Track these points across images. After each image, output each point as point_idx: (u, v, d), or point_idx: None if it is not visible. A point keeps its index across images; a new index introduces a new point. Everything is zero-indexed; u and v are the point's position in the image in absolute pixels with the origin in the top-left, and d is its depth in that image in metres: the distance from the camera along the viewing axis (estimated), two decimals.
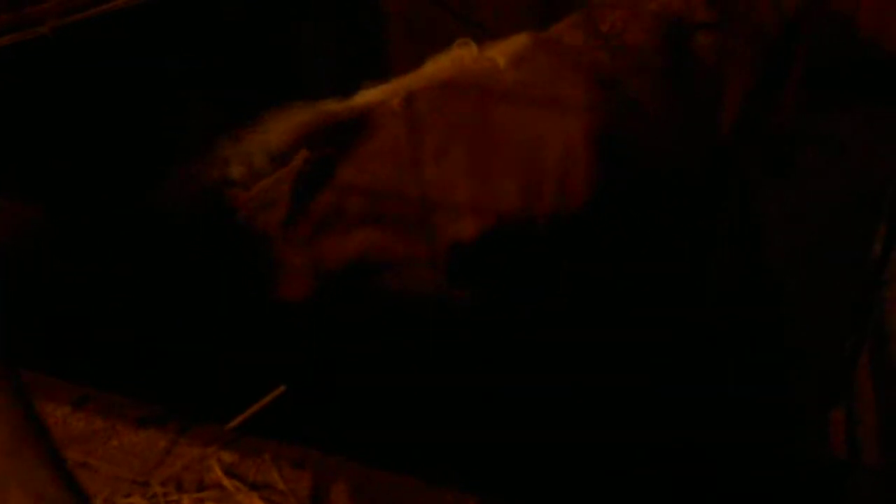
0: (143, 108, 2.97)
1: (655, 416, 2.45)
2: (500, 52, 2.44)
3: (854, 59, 3.35)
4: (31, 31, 2.65)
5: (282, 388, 1.41)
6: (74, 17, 2.78)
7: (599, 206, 2.42)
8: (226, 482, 1.27)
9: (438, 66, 2.42)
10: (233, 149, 2.17)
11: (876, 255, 2.57)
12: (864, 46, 3.38)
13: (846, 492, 2.54)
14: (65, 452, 1.32)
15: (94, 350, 1.63)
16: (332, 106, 2.26)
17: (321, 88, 3.92)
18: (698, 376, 2.71)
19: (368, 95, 2.32)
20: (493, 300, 2.32)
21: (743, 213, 3.07)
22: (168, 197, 2.17)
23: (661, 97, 2.59)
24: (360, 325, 2.18)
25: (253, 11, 3.60)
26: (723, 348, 2.90)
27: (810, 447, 2.69)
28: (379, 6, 3.97)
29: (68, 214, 2.22)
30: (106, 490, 1.29)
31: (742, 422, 2.70)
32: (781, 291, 3.11)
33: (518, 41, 2.50)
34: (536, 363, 2.22)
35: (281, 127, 2.17)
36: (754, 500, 2.51)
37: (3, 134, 2.37)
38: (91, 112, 2.79)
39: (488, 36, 3.75)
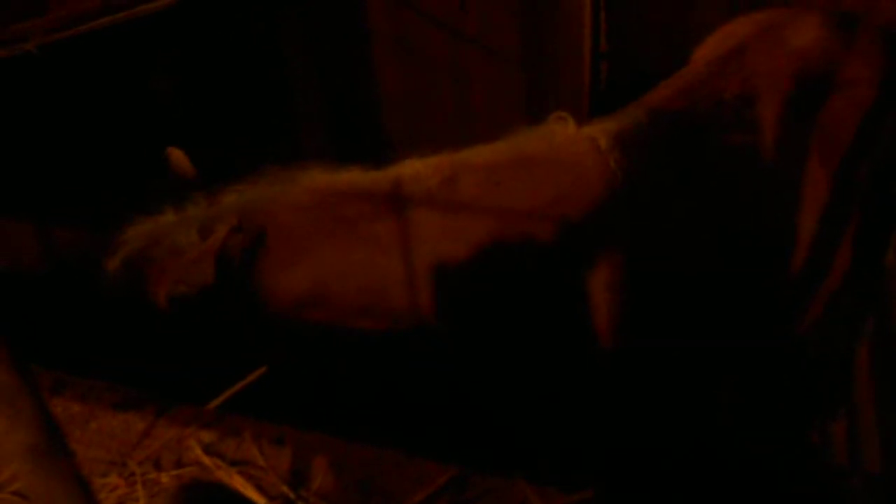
0: (127, 129, 2.96)
1: (652, 421, 2.42)
2: (604, 130, 1.95)
3: None
4: (17, 47, 2.66)
5: (263, 369, 1.39)
6: (61, 34, 2.80)
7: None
8: (205, 459, 1.24)
9: (519, 142, 1.98)
10: (203, 209, 1.80)
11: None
12: None
13: (846, 498, 2.51)
14: None
15: (72, 336, 1.60)
16: (355, 175, 1.89)
17: (310, 122, 3.93)
18: (697, 383, 2.68)
19: (406, 167, 1.91)
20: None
21: None
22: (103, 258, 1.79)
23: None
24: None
25: (240, 37, 3.61)
26: (724, 362, 2.87)
27: (811, 453, 2.66)
28: (366, 24, 3.99)
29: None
30: (82, 472, 1.26)
31: (742, 429, 2.68)
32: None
33: (629, 115, 2.02)
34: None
35: (278, 190, 1.81)
36: None
37: None
38: (74, 131, 2.78)
39: (476, 49, 3.77)
